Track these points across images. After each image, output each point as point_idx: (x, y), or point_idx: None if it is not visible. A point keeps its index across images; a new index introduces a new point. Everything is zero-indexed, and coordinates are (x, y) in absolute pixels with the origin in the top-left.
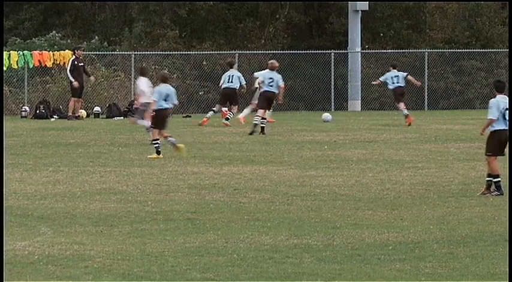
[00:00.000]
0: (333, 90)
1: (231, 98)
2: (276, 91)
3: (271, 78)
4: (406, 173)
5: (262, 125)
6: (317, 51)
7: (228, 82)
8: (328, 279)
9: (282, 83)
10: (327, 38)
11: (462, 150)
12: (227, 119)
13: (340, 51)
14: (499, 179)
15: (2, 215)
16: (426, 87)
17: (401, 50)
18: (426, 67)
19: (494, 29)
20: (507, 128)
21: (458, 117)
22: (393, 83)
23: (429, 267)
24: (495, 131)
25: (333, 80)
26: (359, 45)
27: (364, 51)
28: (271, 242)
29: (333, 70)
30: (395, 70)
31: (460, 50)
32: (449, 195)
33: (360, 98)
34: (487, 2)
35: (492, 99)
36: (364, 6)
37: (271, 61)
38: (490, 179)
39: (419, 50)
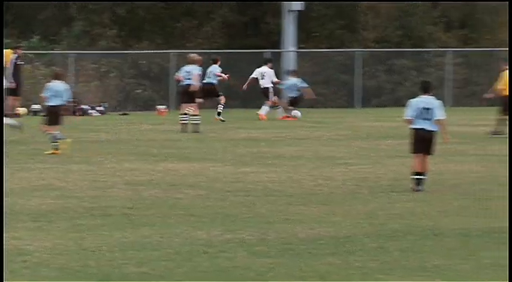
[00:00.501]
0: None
1: (210, 93)
2: (193, 83)
3: (187, 71)
4: (338, 169)
5: (185, 121)
6: (252, 50)
7: (207, 77)
8: (261, 273)
9: (195, 72)
10: (263, 37)
11: (393, 147)
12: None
13: (275, 50)
14: (420, 176)
15: (1, 215)
16: (361, 85)
17: (335, 49)
18: (361, 66)
19: (425, 29)
20: (428, 127)
21: (389, 115)
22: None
23: (359, 261)
24: (413, 129)
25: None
26: (293, 44)
27: (299, 50)
28: (206, 237)
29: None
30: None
31: (392, 49)
32: (380, 190)
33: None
34: (418, 2)
35: (412, 99)
36: (299, 6)
37: (190, 54)
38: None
39: (352, 49)
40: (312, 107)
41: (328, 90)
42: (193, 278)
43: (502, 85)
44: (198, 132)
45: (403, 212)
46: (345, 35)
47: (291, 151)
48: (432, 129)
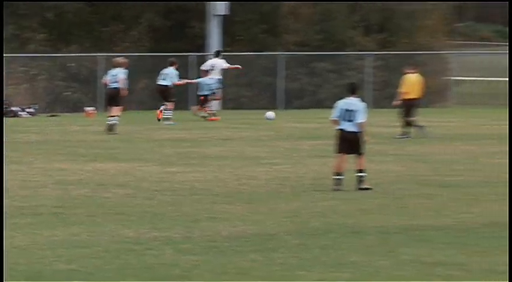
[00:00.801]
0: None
1: (163, 94)
2: (120, 86)
3: (114, 75)
4: (262, 168)
5: (110, 122)
6: (178, 54)
7: (162, 80)
8: (187, 270)
9: (121, 76)
10: (188, 41)
11: (314, 147)
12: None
13: (200, 53)
14: (340, 176)
15: (2, 214)
16: (284, 87)
17: (258, 53)
18: (284, 69)
19: (345, 33)
20: (349, 128)
21: (311, 116)
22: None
23: (282, 258)
24: (337, 130)
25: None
26: (218, 48)
27: (224, 53)
28: (133, 235)
29: (194, 72)
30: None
31: (313, 53)
32: (302, 189)
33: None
34: (338, 7)
35: (339, 100)
36: (224, 10)
37: (116, 58)
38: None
39: (275, 53)
40: (236, 108)
41: (252, 92)
42: (121, 274)
43: (405, 89)
44: (114, 132)
45: (325, 210)
46: (267, 38)
47: (216, 151)
48: (353, 130)
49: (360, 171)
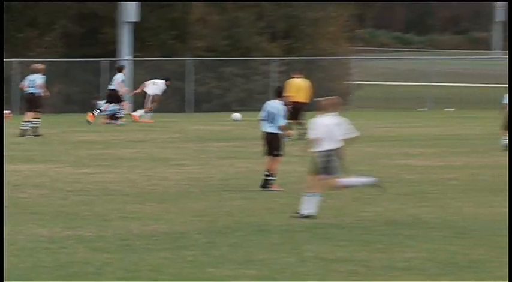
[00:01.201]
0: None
1: (113, 98)
2: (37, 91)
3: (31, 80)
4: (172, 169)
5: (27, 127)
6: (90, 59)
7: (110, 84)
8: (99, 267)
9: (39, 82)
10: (100, 46)
11: (222, 149)
12: (117, 118)
13: (112, 59)
14: (272, 177)
15: (2, 214)
16: (193, 91)
17: (167, 58)
18: (193, 73)
19: (252, 39)
20: (270, 130)
21: (218, 119)
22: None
23: (192, 255)
24: (262, 132)
25: (105, 86)
26: (129, 53)
27: (134, 58)
28: (48, 234)
29: (107, 76)
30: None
31: (221, 58)
32: (210, 190)
33: (131, 102)
34: (245, 14)
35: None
36: (134, 17)
37: (34, 64)
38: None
39: (184, 58)
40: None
41: (162, 96)
42: (36, 272)
43: (290, 93)
44: (38, 135)
45: (232, 210)
46: (177, 44)
47: (127, 153)
48: (273, 132)
49: (269, 174)
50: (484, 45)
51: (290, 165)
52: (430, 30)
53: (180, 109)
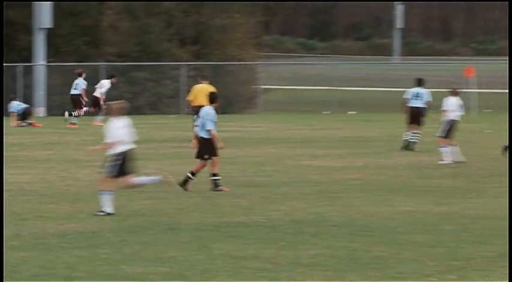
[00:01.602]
0: (22, 98)
1: (76, 102)
2: None
3: None
4: (85, 171)
5: None
6: (7, 64)
7: (74, 89)
8: (16, 266)
9: None
10: (16, 52)
11: (135, 151)
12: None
13: (27, 64)
14: (215, 178)
15: (1, 215)
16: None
17: (81, 63)
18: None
19: (162, 45)
20: (202, 134)
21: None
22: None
23: (105, 253)
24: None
25: (22, 90)
26: (43, 59)
27: (48, 64)
28: None
29: (21, 81)
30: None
31: (132, 63)
32: (122, 190)
33: (45, 105)
34: (155, 21)
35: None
36: (48, 24)
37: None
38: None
39: (96, 63)
40: (62, 115)
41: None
42: None
43: (192, 97)
44: None
45: (143, 209)
46: (89, 50)
47: (42, 154)
48: (204, 136)
49: (214, 174)
50: (385, 51)
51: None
52: (333, 37)
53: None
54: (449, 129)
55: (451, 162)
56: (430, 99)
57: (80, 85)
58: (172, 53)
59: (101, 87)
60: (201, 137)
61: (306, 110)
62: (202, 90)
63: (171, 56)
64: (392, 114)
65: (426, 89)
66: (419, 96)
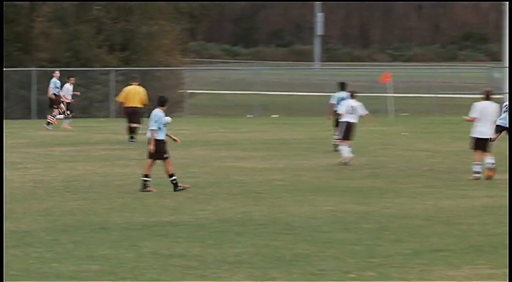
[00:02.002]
0: None
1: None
2: None
3: None
4: (18, 172)
5: None
6: None
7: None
8: None
9: None
10: None
11: (65, 153)
12: (48, 123)
13: None
14: (175, 179)
15: (2, 216)
16: (36, 99)
17: (12, 68)
18: (36, 82)
19: (92, 51)
20: (159, 137)
21: (61, 125)
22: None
23: (38, 252)
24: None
25: None
26: None
27: None
28: None
29: None
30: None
31: (63, 69)
32: (54, 191)
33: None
34: (85, 28)
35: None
36: None
37: None
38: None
39: (28, 69)
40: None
41: (7, 104)
42: None
43: (121, 98)
44: None
45: (74, 209)
46: (21, 56)
47: None
48: (159, 138)
49: (171, 175)
50: (306, 57)
51: (128, 168)
52: (256, 43)
53: (25, 116)
54: (345, 131)
55: (347, 160)
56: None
57: (52, 86)
58: (101, 59)
59: (67, 92)
60: (156, 139)
61: (231, 114)
62: (133, 92)
63: (101, 62)
64: (313, 117)
65: (347, 93)
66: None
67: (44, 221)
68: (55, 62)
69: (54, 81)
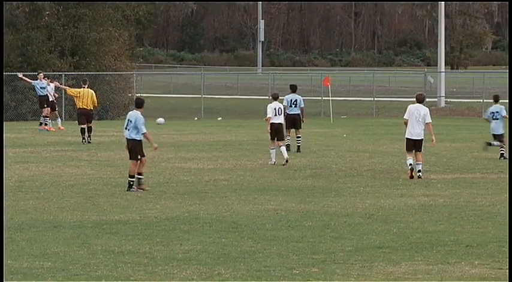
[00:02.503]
0: None
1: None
2: None
3: None
4: None
5: None
6: None
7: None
8: None
9: None
10: None
11: (18, 154)
12: (40, 123)
13: None
14: (133, 179)
15: (1, 216)
16: None
17: None
18: None
19: (43, 56)
20: (131, 137)
21: (13, 128)
22: None
23: None
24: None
25: None
26: None
27: None
28: None
29: None
30: None
31: (15, 73)
32: (7, 190)
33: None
34: (36, 34)
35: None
36: None
37: None
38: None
39: None
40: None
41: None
42: None
43: (74, 93)
44: None
45: (28, 208)
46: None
47: None
48: (134, 138)
49: (139, 174)
50: (249, 62)
51: (79, 168)
52: (201, 49)
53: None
54: (272, 132)
55: (274, 163)
56: (303, 105)
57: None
58: (52, 64)
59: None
60: (130, 139)
61: (177, 117)
62: (86, 94)
63: (52, 66)
64: (256, 119)
65: (300, 96)
66: (295, 103)
67: None
68: (8, 67)
69: (39, 83)
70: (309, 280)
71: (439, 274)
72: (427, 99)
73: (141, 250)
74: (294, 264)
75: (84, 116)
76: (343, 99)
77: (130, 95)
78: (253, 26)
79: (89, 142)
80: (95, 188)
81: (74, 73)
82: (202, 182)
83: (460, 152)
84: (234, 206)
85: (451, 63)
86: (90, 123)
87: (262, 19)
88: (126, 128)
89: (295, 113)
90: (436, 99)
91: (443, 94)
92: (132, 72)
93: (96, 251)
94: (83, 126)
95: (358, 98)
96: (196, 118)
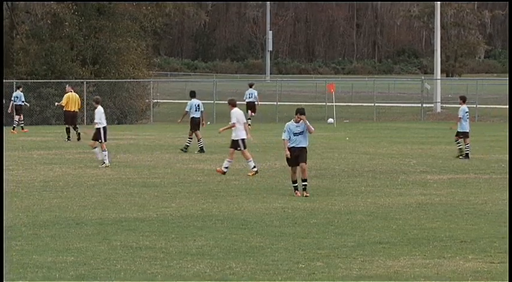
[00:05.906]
0: None
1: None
2: None
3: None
4: None
5: None
6: None
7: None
8: None
9: None
10: None
11: (43, 156)
12: (14, 127)
13: None
14: None
15: (2, 215)
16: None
17: None
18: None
19: (66, 65)
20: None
21: (39, 131)
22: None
23: (19, 245)
24: None
25: None
26: None
27: None
28: None
29: None
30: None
31: (40, 80)
32: (33, 190)
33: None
34: (59, 44)
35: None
36: None
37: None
38: None
39: (10, 80)
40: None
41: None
42: None
43: (64, 103)
44: None
45: (52, 206)
46: (3, 69)
47: None
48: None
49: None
50: (257, 70)
51: (100, 169)
52: (213, 58)
53: (7, 122)
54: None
55: (100, 160)
56: (203, 109)
57: (19, 97)
58: (75, 72)
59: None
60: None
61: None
62: (73, 98)
63: (74, 74)
64: (264, 124)
65: (200, 100)
66: (199, 107)
67: (25, 217)
68: (33, 75)
69: (18, 94)
70: (314, 273)
71: (435, 268)
72: (424, 105)
73: (157, 245)
74: (300, 258)
75: (70, 118)
76: (346, 104)
77: (147, 101)
78: (261, 37)
79: (78, 139)
80: (115, 188)
81: (94, 80)
82: (214, 182)
83: (454, 154)
84: (244, 205)
85: (446, 71)
86: (75, 124)
87: (270, 30)
88: None
89: (198, 116)
90: (432, 105)
91: (439, 100)
92: (149, 80)
93: (116, 246)
94: (68, 126)
95: (360, 104)
96: (209, 123)
